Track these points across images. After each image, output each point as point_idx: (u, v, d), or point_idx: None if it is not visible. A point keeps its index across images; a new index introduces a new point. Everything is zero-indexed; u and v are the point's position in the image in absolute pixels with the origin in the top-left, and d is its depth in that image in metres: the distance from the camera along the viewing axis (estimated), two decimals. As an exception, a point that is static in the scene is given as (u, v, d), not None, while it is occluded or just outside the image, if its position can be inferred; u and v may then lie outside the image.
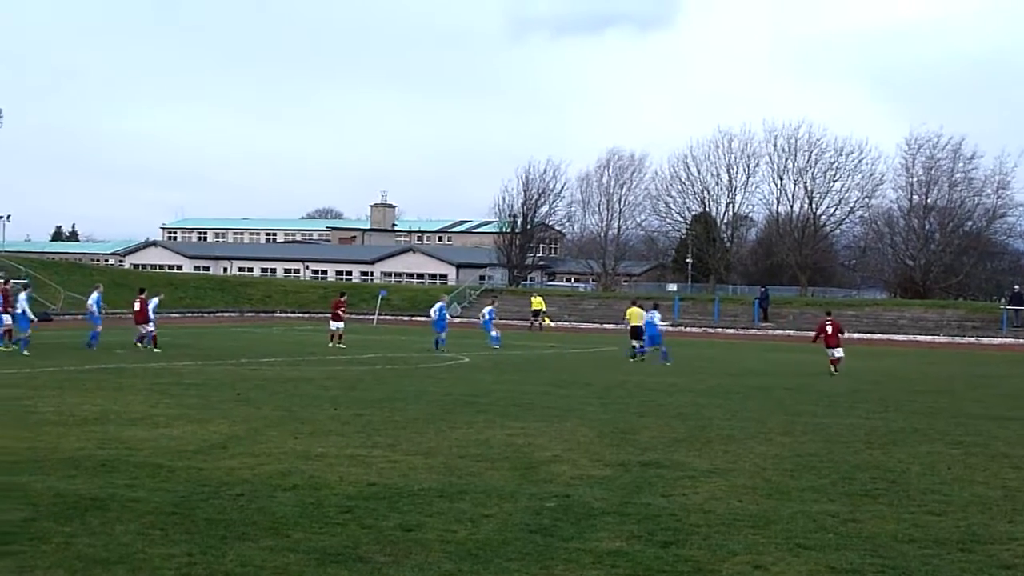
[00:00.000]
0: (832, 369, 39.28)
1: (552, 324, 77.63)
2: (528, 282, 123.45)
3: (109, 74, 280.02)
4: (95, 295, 44.72)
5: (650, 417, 23.70)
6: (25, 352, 38.04)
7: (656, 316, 44.36)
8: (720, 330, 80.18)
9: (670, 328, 77.58)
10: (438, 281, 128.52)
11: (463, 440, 19.28)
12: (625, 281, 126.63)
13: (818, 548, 11.71)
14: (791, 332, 78.03)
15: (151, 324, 43.70)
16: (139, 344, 42.80)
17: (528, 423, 21.95)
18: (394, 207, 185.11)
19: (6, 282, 45.86)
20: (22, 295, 42.42)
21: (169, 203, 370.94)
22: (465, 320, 79.32)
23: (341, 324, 50.52)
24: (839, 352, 40.09)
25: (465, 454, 17.69)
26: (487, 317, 54.23)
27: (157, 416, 21.66)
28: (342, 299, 52.71)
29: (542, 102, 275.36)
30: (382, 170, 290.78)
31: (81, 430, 19.40)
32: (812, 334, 41.78)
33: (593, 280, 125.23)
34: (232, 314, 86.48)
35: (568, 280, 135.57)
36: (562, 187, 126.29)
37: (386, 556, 10.97)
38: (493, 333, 54.48)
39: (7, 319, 42.26)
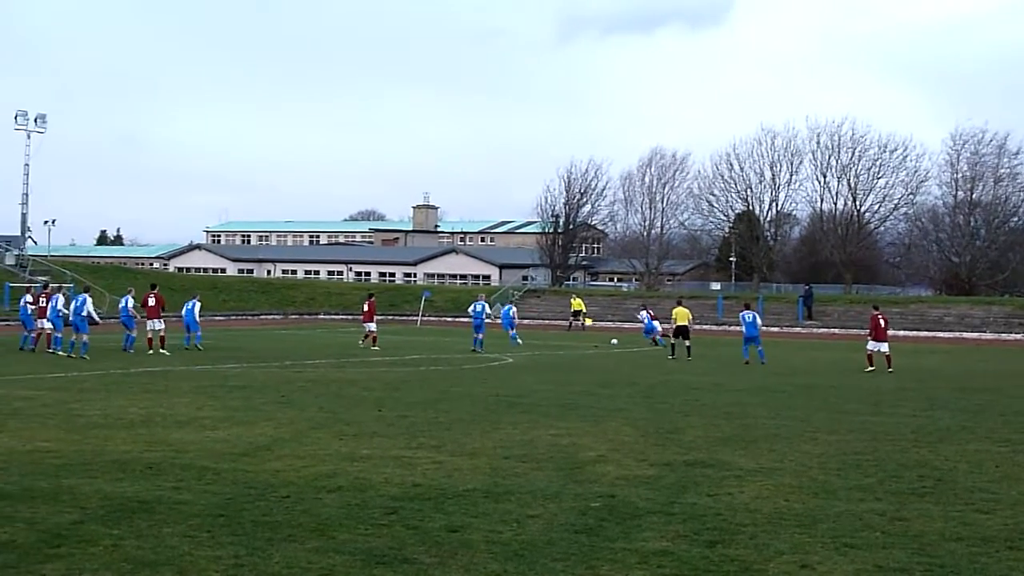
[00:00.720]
0: (886, 365, 39.10)
1: (592, 323, 77.51)
2: (571, 282, 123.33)
3: (152, 79, 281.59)
4: (127, 299, 44.93)
5: (695, 416, 23.64)
6: (85, 356, 38.28)
7: (756, 316, 44.26)
8: (764, 328, 79.85)
9: (714, 327, 77.71)
10: (481, 282, 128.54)
11: (507, 441, 19.29)
12: (668, 280, 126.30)
13: (865, 547, 11.66)
14: (836, 330, 77.77)
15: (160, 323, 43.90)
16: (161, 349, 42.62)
17: (572, 423, 21.94)
18: (436, 208, 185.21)
19: (46, 287, 46.28)
20: (59, 297, 42.91)
21: (213, 206, 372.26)
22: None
23: (374, 325, 50.57)
24: (886, 347, 39.99)
25: (510, 455, 17.70)
26: (506, 316, 53.17)
27: (203, 419, 21.77)
28: (372, 299, 52.59)
29: (585, 102, 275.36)
30: (424, 171, 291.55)
31: (128, 433, 19.51)
32: (860, 332, 41.53)
33: (636, 279, 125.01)
34: (276, 316, 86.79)
35: (611, 280, 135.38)
36: (604, 186, 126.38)
37: (432, 557, 10.99)
38: (512, 332, 54.74)
39: (47, 324, 42.65)
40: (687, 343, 45.85)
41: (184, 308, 47.55)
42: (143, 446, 17.97)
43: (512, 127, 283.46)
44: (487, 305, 49.93)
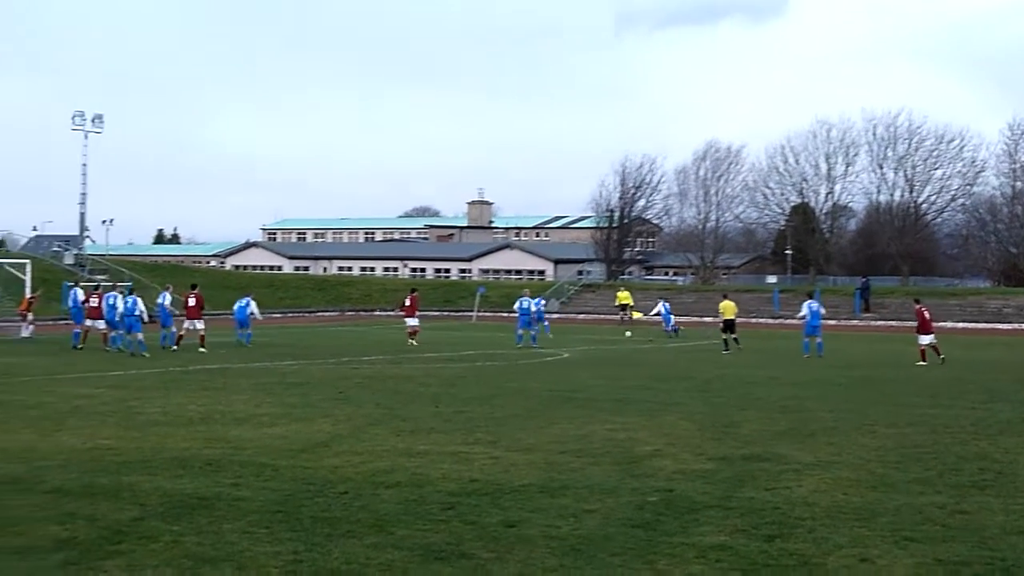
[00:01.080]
0: (936, 356, 38.88)
1: (641, 316, 77.32)
2: (626, 276, 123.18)
3: (208, 79, 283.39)
4: (165, 296, 45.22)
5: (751, 410, 23.56)
6: (145, 353, 38.66)
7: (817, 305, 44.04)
8: (821, 321, 79.47)
9: (770, 321, 77.40)
10: (536, 277, 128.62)
11: (563, 436, 19.29)
12: (724, 274, 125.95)
13: (925, 540, 11.59)
14: (893, 322, 77.21)
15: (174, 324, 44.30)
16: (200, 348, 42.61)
17: (628, 418, 21.91)
18: (491, 204, 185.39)
19: (97, 287, 46.68)
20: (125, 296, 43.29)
21: (269, 205, 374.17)
22: (563, 316, 79.41)
23: (416, 320, 50.32)
24: (932, 338, 39.76)
25: (566, 449, 17.70)
26: (536, 308, 51.92)
27: (261, 415, 21.89)
28: (415, 295, 52.16)
29: (639, 96, 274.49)
30: (479, 167, 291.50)
31: (187, 430, 19.65)
32: (915, 324, 41.17)
33: (691, 273, 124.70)
34: (332, 313, 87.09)
35: (666, 273, 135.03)
36: (659, 180, 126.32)
37: (489, 552, 11.01)
38: (545, 323, 55.06)
39: (100, 324, 43.00)
40: (734, 336, 45.76)
41: (236, 305, 47.82)
42: (202, 443, 18.10)
43: (566, 122, 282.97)
44: (532, 301, 49.34)
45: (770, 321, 78.83)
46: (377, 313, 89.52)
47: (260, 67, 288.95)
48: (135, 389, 27.04)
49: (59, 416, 21.51)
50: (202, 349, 41.79)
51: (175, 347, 42.14)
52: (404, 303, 51.16)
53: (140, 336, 40.33)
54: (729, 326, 46.02)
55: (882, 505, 13.41)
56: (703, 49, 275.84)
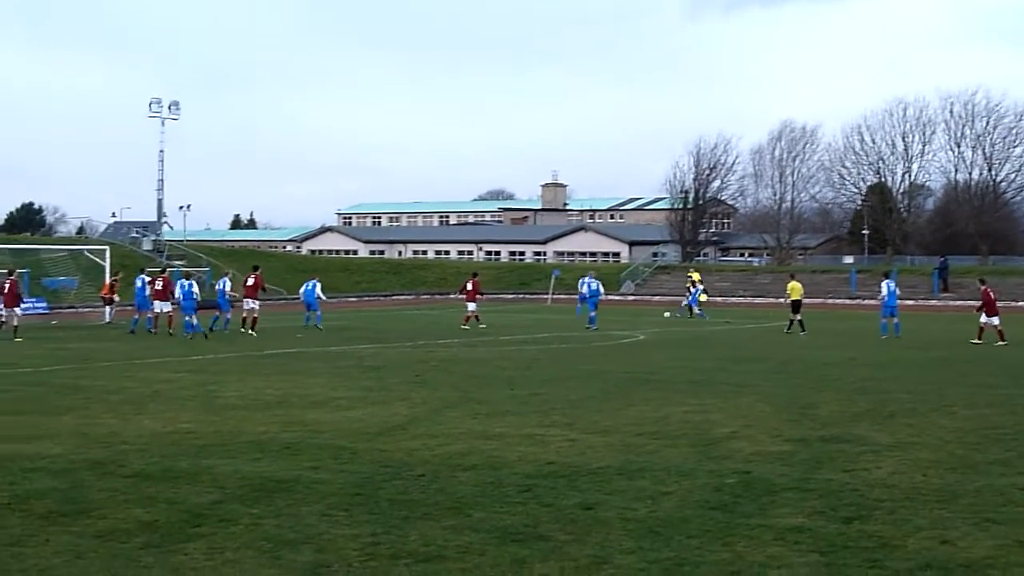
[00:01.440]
0: (997, 338, 38.39)
1: (707, 299, 76.83)
2: (701, 258, 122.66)
3: (284, 65, 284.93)
4: (225, 282, 45.61)
5: (829, 391, 23.43)
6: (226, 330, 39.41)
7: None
8: (899, 302, 78.85)
9: (847, 301, 76.86)
10: (611, 259, 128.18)
11: (640, 418, 19.27)
12: (800, 255, 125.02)
13: (1006, 522, 11.49)
14: (972, 302, 76.27)
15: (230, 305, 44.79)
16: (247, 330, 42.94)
17: (705, 399, 21.85)
18: (565, 186, 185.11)
19: (163, 271, 47.13)
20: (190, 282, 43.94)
21: (344, 189, 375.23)
22: (638, 297, 79.25)
23: (475, 305, 49.53)
24: (997, 320, 39.33)
25: (642, 431, 17.68)
26: (588, 290, 51.03)
27: (338, 399, 22.01)
28: (477, 279, 51.76)
29: (713, 77, 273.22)
30: (553, 150, 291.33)
31: (265, 414, 19.81)
32: (983, 304, 40.59)
33: (767, 254, 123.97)
34: (407, 297, 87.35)
35: (742, 255, 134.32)
36: (734, 161, 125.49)
37: (566, 534, 11.02)
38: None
39: (166, 306, 43.53)
40: (799, 317, 45.56)
41: (303, 288, 48.20)
42: (280, 427, 18.23)
43: (640, 104, 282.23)
44: (598, 283, 48.96)
45: (847, 302, 78.28)
46: (452, 297, 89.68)
47: (338, 51, 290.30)
48: (214, 373, 27.28)
49: (140, 401, 21.76)
50: (251, 332, 42.15)
51: (252, 331, 42.47)
52: (465, 287, 50.81)
53: (229, 314, 42.37)
54: (795, 306, 45.83)
55: (962, 487, 13.30)
56: (777, 28, 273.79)
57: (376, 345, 37.16)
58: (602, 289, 48.93)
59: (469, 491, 13.00)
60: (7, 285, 40.97)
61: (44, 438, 17.08)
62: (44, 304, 59.86)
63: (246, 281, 44.98)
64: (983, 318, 39.56)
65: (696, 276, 77.54)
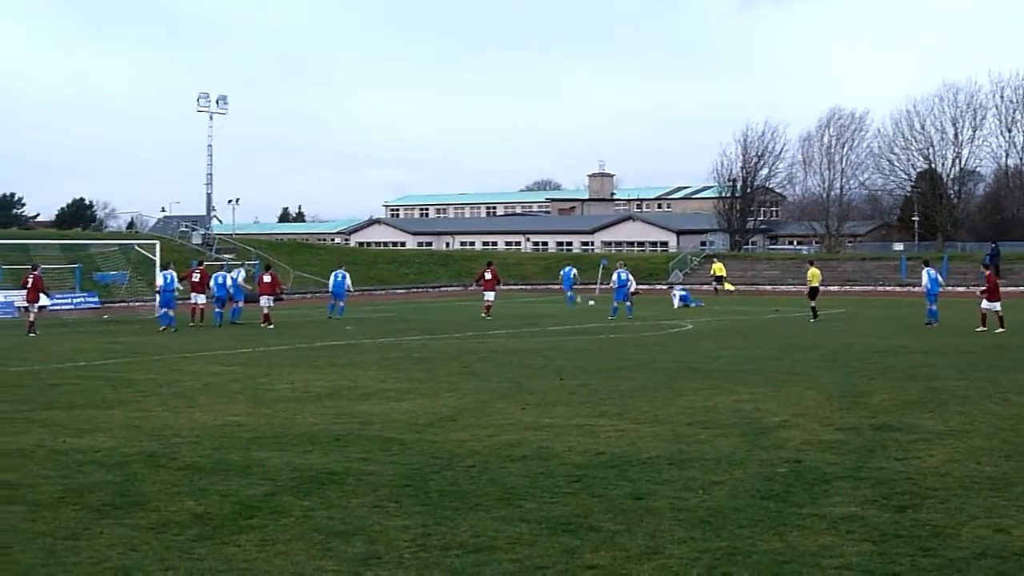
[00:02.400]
0: (999, 326, 37.99)
1: (733, 289, 76.64)
2: (750, 246, 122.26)
3: (330, 58, 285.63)
4: (240, 273, 46.04)
5: (880, 379, 23.29)
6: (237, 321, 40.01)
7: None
8: (949, 288, 78.23)
9: (897, 288, 76.41)
10: (659, 248, 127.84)
11: (690, 407, 19.22)
12: (850, 242, 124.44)
13: (1062, 510, 11.40)
14: (1024, 288, 75.74)
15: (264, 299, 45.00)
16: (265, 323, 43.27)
17: (755, 388, 21.78)
18: (612, 176, 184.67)
19: (201, 264, 47.40)
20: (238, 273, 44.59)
21: (390, 181, 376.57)
22: (687, 287, 79.02)
23: (492, 295, 49.31)
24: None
25: (693, 421, 17.64)
26: (619, 280, 50.28)
27: (388, 390, 22.07)
28: (493, 267, 51.41)
29: (760, 64, 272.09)
30: (600, 139, 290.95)
31: (315, 406, 19.88)
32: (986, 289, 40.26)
33: (816, 242, 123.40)
34: (455, 288, 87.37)
35: (790, 243, 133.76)
36: (781, 148, 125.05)
37: (617, 524, 11.00)
38: (569, 294, 58.35)
39: (201, 299, 44.03)
40: (812, 303, 46.09)
41: (332, 279, 48.51)
42: (330, 418, 18.30)
43: (687, 92, 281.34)
44: (627, 273, 48.74)
45: (897, 289, 77.82)
46: (500, 288, 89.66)
47: (383, 44, 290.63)
48: (264, 366, 27.40)
49: (191, 394, 21.88)
50: (269, 326, 42.44)
51: (267, 324, 42.95)
52: (483, 275, 50.35)
53: (220, 310, 43.77)
54: (813, 293, 46.21)
55: (1017, 475, 13.21)
56: (825, 14, 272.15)
57: (425, 336, 37.22)
58: (632, 280, 48.70)
59: (519, 482, 13.00)
60: (31, 280, 41.21)
61: (97, 431, 17.22)
62: (95, 298, 60.36)
63: (262, 278, 45.23)
64: (984, 304, 39.21)
65: (719, 267, 77.64)
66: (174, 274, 43.34)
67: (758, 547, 10.19)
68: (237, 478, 13.44)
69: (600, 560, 9.84)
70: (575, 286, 62.46)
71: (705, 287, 76.83)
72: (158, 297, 43.05)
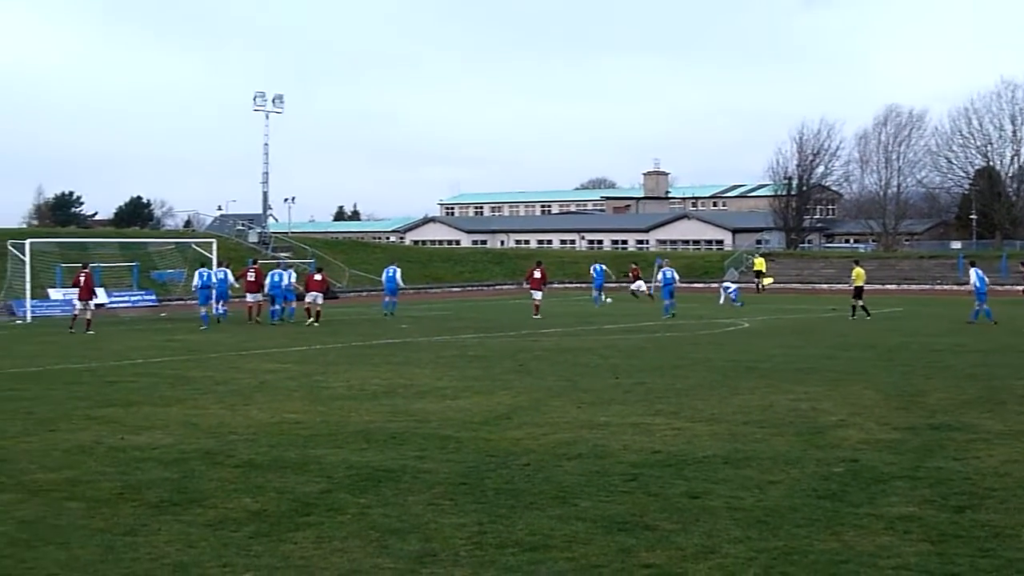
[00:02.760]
0: None
1: (772, 283, 76.29)
2: (806, 244, 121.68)
3: (385, 57, 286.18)
4: (291, 274, 46.69)
5: (938, 379, 23.14)
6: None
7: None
8: (1009, 287, 77.57)
9: (955, 287, 75.84)
10: (714, 247, 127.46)
11: (746, 406, 19.16)
12: (907, 240, 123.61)
13: (1123, 511, 11.29)
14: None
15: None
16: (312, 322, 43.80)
17: (812, 387, 21.68)
18: (667, 174, 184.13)
19: (255, 262, 47.65)
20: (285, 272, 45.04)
21: (445, 180, 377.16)
22: (742, 285, 78.72)
23: (540, 294, 48.82)
24: None
25: (749, 420, 17.59)
26: (664, 278, 49.90)
27: (443, 388, 22.12)
28: (543, 267, 51.15)
29: (815, 61, 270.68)
30: (654, 137, 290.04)
31: (371, 403, 19.95)
32: None
33: (873, 240, 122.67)
34: (510, 286, 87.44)
35: (847, 241, 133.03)
36: (838, 146, 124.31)
37: (673, 524, 10.99)
38: (595, 293, 59.00)
39: (257, 296, 44.55)
40: (861, 304, 46.05)
41: (384, 274, 48.87)
42: (386, 416, 18.36)
43: (743, 89, 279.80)
44: (672, 271, 48.54)
45: (955, 288, 77.22)
46: (555, 285, 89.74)
47: (440, 41, 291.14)
48: (319, 364, 27.51)
49: (247, 391, 22.01)
50: (314, 323, 42.86)
51: (315, 321, 43.31)
52: (532, 274, 49.98)
53: (275, 307, 44.22)
54: (858, 293, 46.36)
55: (1078, 475, 13.09)
56: (883, 11, 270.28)
57: (480, 334, 37.27)
58: (677, 277, 48.63)
59: (575, 480, 13.00)
60: (82, 278, 41.54)
61: (155, 428, 17.35)
62: (153, 296, 60.84)
63: (311, 276, 45.45)
64: None
65: (760, 262, 77.25)
66: (210, 271, 43.86)
67: (815, 547, 10.15)
68: (294, 475, 13.51)
69: (656, 559, 9.83)
70: (606, 284, 62.60)
71: (750, 285, 76.43)
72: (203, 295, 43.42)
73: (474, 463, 14.13)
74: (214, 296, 44.49)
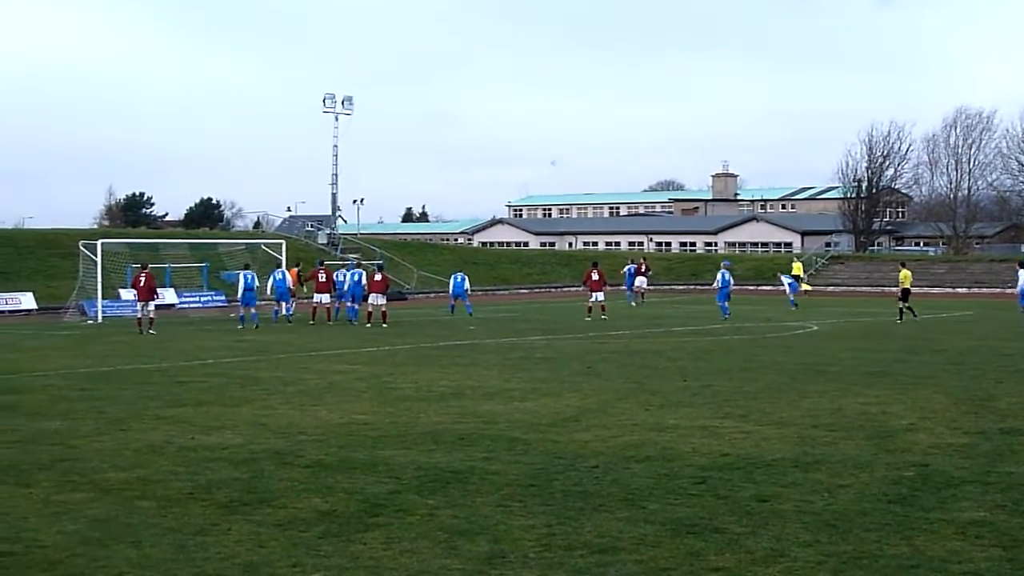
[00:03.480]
0: None
1: (811, 288, 75.69)
2: (875, 248, 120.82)
3: (454, 58, 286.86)
4: (279, 274, 46.52)
5: (1009, 383, 22.93)
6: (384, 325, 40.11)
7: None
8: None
9: None
10: (783, 249, 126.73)
11: (815, 409, 19.08)
12: (977, 243, 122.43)
13: None
14: None
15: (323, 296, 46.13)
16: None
17: (881, 391, 21.54)
18: (736, 176, 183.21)
19: (322, 264, 47.85)
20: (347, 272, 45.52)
21: (513, 182, 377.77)
22: (812, 288, 78.36)
23: (601, 295, 48.68)
24: None
25: (818, 423, 17.51)
26: (722, 280, 48.91)
27: (511, 390, 22.15)
28: (599, 268, 50.65)
29: (885, 63, 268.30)
30: (723, 139, 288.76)
31: (439, 405, 20.03)
32: None
33: (943, 243, 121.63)
34: (578, 288, 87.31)
35: (917, 244, 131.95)
36: (907, 149, 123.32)
37: (742, 527, 10.97)
38: (628, 293, 60.69)
39: (326, 298, 44.86)
40: (908, 306, 45.68)
41: (452, 281, 49.31)
42: (454, 417, 18.42)
43: (813, 91, 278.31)
44: (729, 273, 48.30)
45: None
46: (622, 288, 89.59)
47: (509, 42, 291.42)
48: (388, 365, 27.63)
49: (316, 392, 22.15)
50: (384, 324, 42.73)
51: (383, 323, 43.21)
52: (591, 276, 49.66)
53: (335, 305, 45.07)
54: (905, 295, 45.95)
55: None
56: (956, 13, 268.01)
57: (547, 336, 37.28)
58: (732, 280, 48.61)
59: (643, 483, 13.00)
60: (142, 279, 41.81)
61: (224, 428, 17.51)
62: (222, 297, 61.26)
63: (372, 277, 45.38)
64: None
65: (798, 266, 76.70)
66: (254, 274, 44.17)
67: (885, 551, 10.11)
68: (363, 476, 13.59)
69: (725, 563, 9.83)
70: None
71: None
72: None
73: (542, 465, 14.16)
74: (276, 297, 45.05)
